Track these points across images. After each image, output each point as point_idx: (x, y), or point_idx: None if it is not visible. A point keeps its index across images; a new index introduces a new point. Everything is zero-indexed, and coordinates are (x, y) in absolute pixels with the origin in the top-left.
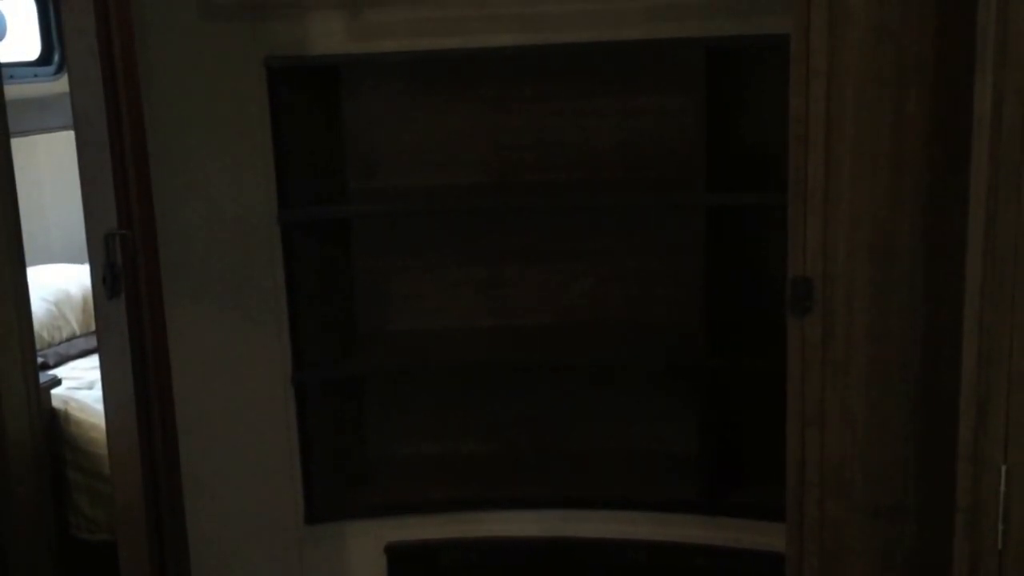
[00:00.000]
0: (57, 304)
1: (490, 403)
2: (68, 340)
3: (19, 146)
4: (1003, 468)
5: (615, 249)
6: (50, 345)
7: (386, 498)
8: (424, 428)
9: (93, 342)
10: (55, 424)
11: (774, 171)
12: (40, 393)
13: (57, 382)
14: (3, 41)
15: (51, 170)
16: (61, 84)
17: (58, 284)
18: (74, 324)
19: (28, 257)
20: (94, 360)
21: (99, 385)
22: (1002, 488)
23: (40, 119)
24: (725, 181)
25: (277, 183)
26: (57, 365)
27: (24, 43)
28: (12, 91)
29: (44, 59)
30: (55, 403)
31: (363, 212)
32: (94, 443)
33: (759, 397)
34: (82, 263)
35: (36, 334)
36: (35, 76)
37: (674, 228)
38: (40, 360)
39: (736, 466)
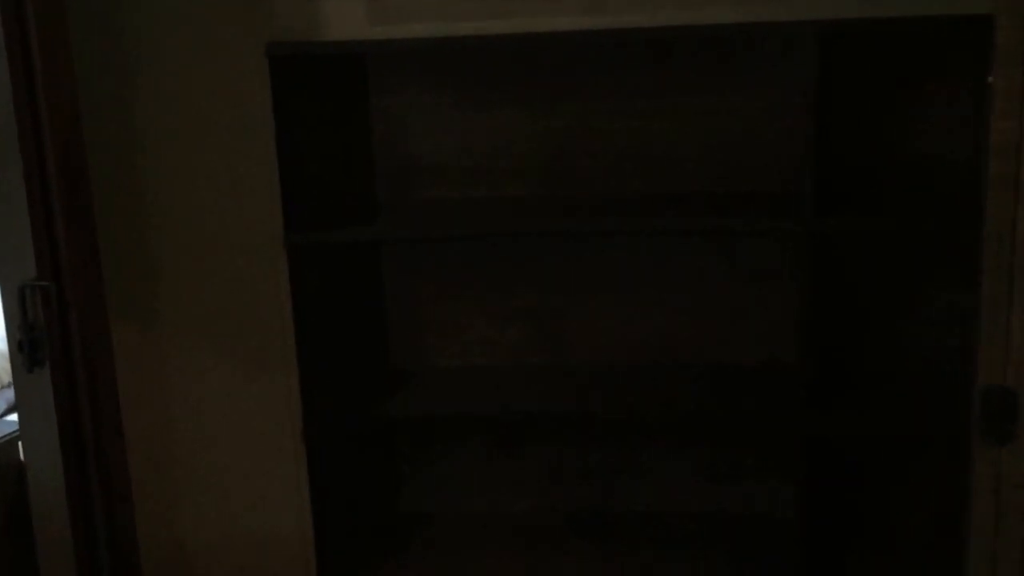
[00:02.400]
0: None
1: (544, 456)
2: None
3: None
4: None
5: (694, 278)
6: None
7: (421, 570)
8: (466, 482)
9: None
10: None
11: (900, 191)
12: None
13: None
14: None
15: None
16: None
17: None
18: None
19: None
20: None
21: None
22: None
23: None
24: (835, 202)
25: (282, 199)
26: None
27: None
28: None
29: None
30: None
31: (389, 236)
32: None
33: (868, 459)
34: None
35: None
36: None
37: (768, 254)
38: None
39: (841, 535)
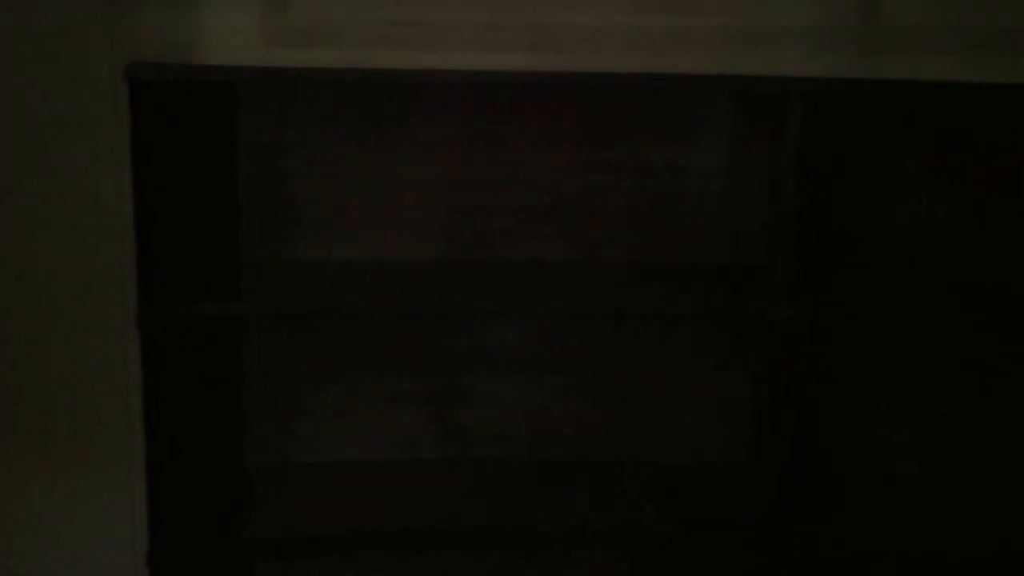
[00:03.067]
0: None
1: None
2: None
3: None
4: None
5: (625, 359)
6: None
7: None
8: None
9: None
10: None
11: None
12: None
13: None
14: None
15: None
16: None
17: None
18: None
19: None
20: None
21: None
22: None
23: None
24: (806, 283)
25: (138, 265)
26: None
27: None
28: None
29: None
30: None
31: (249, 311)
32: None
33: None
34: None
35: None
36: None
37: (716, 337)
38: None
39: None
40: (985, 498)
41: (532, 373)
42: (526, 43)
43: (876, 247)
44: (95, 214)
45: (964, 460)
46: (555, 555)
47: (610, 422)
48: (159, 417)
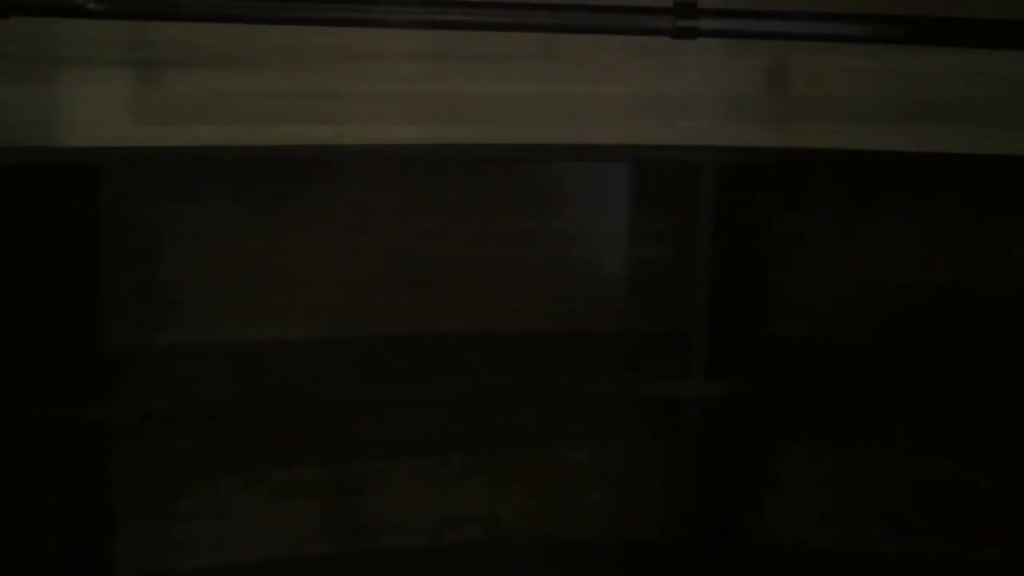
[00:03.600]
0: None
1: None
2: None
3: None
4: None
5: (531, 439)
6: None
7: None
8: None
9: None
10: None
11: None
12: None
13: None
14: None
15: None
16: None
17: None
18: None
19: None
20: None
21: None
22: None
23: None
24: (723, 358)
25: None
26: None
27: None
28: None
29: None
30: None
31: (116, 416)
32: None
33: None
34: None
35: None
36: None
37: (625, 410)
38: None
39: None
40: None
41: (434, 454)
42: (429, 115)
43: (789, 317)
44: None
45: (876, 531)
46: None
47: (517, 503)
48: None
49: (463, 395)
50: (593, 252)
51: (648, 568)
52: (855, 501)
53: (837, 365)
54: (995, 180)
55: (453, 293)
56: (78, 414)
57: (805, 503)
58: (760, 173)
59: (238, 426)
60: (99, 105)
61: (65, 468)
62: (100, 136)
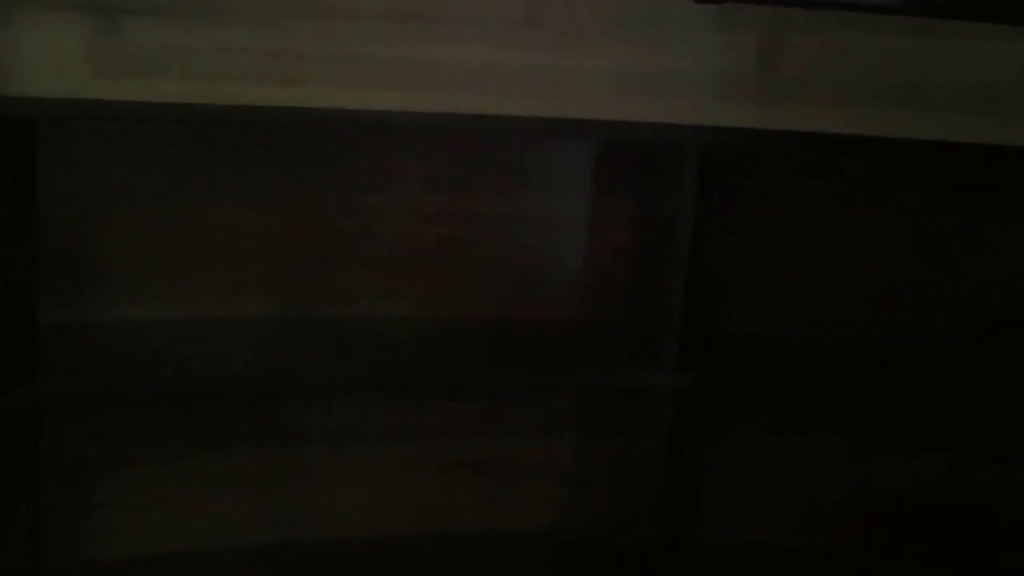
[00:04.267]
0: None
1: None
2: None
3: None
4: None
5: (477, 426)
6: None
7: None
8: None
9: None
10: None
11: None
12: None
13: None
14: None
15: None
16: None
17: None
18: None
19: None
20: None
21: None
22: None
23: None
24: (696, 349)
25: None
26: None
27: None
28: None
29: None
30: None
31: (47, 398)
32: None
33: None
34: None
35: None
36: None
37: (575, 401)
38: None
39: None
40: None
41: (378, 443)
42: (395, 80)
43: (763, 307)
44: None
45: (843, 529)
46: None
47: (464, 494)
48: None
49: (408, 383)
50: (546, 234)
51: (599, 564)
52: (815, 498)
53: (807, 359)
54: (986, 170)
55: (401, 274)
56: (2, 397)
57: (765, 499)
58: (744, 156)
59: (171, 409)
60: (52, 55)
61: None
62: (49, 88)
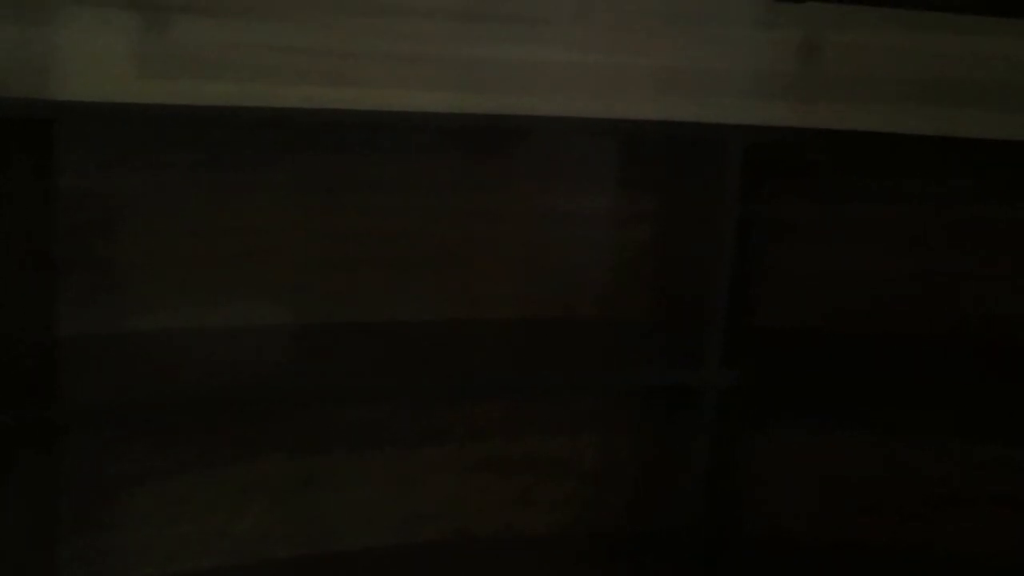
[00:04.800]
0: None
1: None
2: None
3: None
4: None
5: (505, 423)
6: None
7: None
8: None
9: None
10: None
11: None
12: None
13: None
14: None
15: None
16: None
17: None
18: None
19: None
20: None
21: None
22: None
23: None
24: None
25: None
26: None
27: None
28: None
29: None
30: None
31: (69, 417)
32: None
33: None
34: None
35: None
36: None
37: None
38: None
39: None
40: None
41: (404, 448)
42: (442, 78)
43: (804, 303)
44: None
45: (883, 523)
46: None
47: (488, 496)
48: None
49: (433, 387)
50: (599, 234)
51: (639, 564)
52: (854, 493)
53: (848, 356)
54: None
55: (425, 276)
56: (21, 412)
57: (808, 495)
58: (786, 155)
59: (193, 420)
60: (99, 59)
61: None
62: (94, 88)
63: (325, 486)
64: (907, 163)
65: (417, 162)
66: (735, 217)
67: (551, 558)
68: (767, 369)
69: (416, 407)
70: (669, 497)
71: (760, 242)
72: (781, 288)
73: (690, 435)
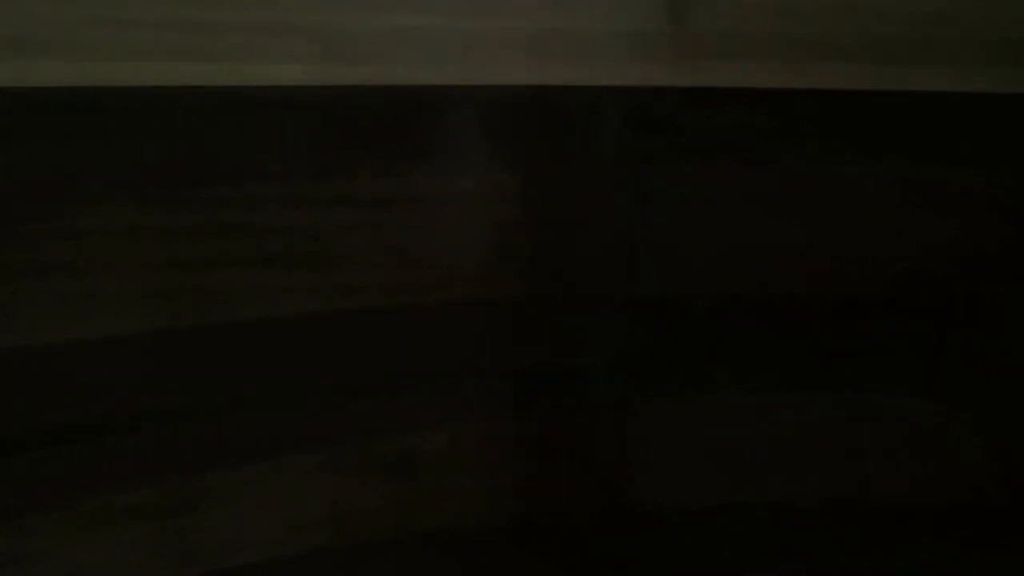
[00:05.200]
0: None
1: None
2: None
3: None
4: None
5: (383, 420)
6: None
7: None
8: None
9: None
10: None
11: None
12: None
13: None
14: None
15: None
16: None
17: None
18: None
19: None
20: None
21: None
22: None
23: None
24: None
25: None
26: None
27: None
28: None
29: None
30: None
31: None
32: None
33: None
34: None
35: None
36: None
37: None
38: None
39: None
40: None
41: (273, 457)
42: (303, 51)
43: (685, 269)
44: None
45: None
46: None
47: (372, 497)
48: None
49: (301, 389)
50: (464, 212)
51: (537, 551)
52: (749, 457)
53: (738, 321)
54: (904, 118)
55: (295, 269)
56: None
57: (708, 463)
58: (666, 116)
59: (48, 450)
60: None
61: None
62: None
63: (197, 507)
64: (789, 121)
65: (272, 145)
66: (615, 184)
67: (445, 554)
68: (656, 340)
69: (286, 411)
70: (561, 480)
71: (639, 208)
72: (666, 256)
73: (579, 414)
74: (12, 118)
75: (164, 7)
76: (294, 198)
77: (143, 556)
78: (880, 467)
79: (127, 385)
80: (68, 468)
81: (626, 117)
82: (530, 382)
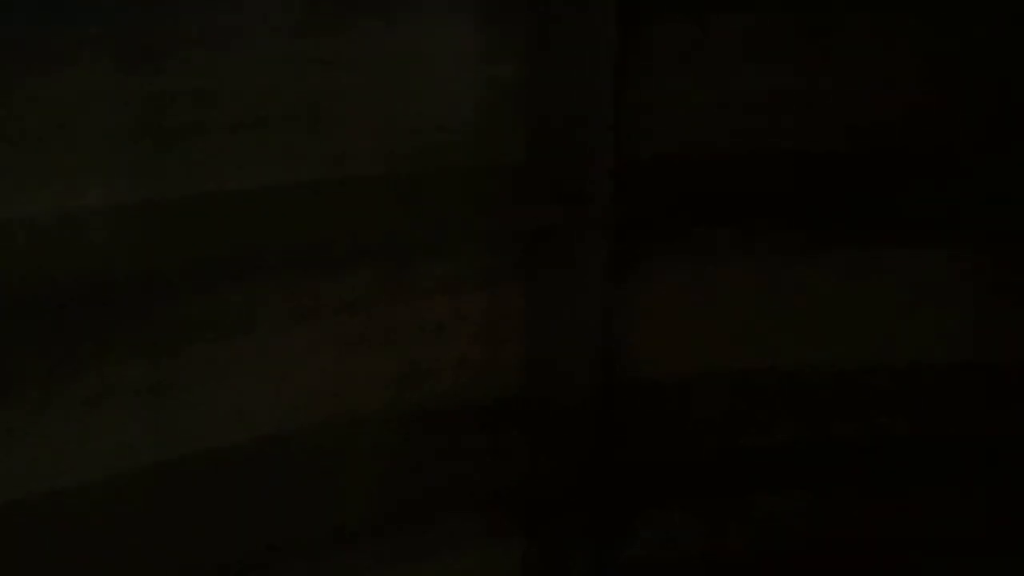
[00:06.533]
0: None
1: None
2: None
3: None
4: None
5: (381, 290)
6: None
7: None
8: None
9: None
10: None
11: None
12: None
13: None
14: None
15: None
16: None
17: None
18: None
19: None
20: None
21: None
22: None
23: None
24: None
25: None
26: None
27: None
28: None
29: None
30: None
31: None
32: None
33: None
34: None
35: None
36: None
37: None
38: None
39: None
40: None
41: (271, 332)
42: None
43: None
44: None
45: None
46: None
47: (370, 372)
48: None
49: (297, 259)
50: (445, 75)
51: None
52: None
53: (737, 178)
54: None
55: (273, 135)
56: None
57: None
58: None
59: (27, 325)
60: None
61: None
62: None
63: (188, 383)
64: None
65: (245, 8)
66: (612, 43)
67: (444, 430)
68: (655, 201)
69: (281, 284)
70: (562, 350)
71: (640, 68)
72: (664, 115)
73: (579, 277)
74: None
75: None
76: (264, 61)
77: (123, 438)
78: (883, 329)
79: (119, 256)
80: (46, 345)
81: None
82: (528, 247)
